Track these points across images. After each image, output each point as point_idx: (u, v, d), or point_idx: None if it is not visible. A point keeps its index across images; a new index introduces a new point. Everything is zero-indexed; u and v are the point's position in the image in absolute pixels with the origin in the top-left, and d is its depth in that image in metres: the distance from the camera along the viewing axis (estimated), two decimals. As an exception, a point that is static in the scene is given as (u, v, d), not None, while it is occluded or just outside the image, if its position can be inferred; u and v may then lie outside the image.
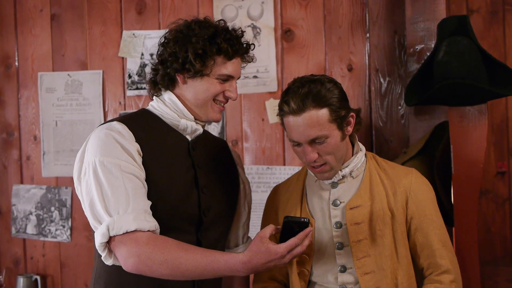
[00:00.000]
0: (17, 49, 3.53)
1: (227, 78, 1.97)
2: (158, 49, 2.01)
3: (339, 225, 2.02)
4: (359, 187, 2.04)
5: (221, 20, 2.02)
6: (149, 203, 1.82)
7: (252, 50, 2.07)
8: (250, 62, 2.11)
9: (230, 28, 2.00)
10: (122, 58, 3.35)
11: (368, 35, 2.99)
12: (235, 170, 2.25)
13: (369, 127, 3.00)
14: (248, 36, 3.08)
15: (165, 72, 1.97)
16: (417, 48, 2.73)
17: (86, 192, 1.82)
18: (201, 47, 1.90)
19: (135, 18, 3.33)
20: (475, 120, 2.49)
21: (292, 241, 1.74)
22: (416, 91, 2.59)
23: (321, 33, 3.07)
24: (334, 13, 3.05)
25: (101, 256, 1.80)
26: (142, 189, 1.82)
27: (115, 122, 1.90)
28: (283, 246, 1.73)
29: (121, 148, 1.82)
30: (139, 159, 1.86)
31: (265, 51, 3.11)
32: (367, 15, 3.00)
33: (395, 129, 2.96)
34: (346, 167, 2.03)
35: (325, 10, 3.07)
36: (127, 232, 1.73)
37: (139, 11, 3.32)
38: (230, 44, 1.94)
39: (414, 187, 2.02)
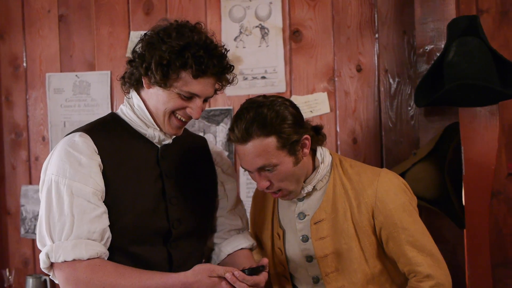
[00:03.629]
0: (25, 50, 3.53)
1: (191, 96, 1.83)
2: (137, 44, 1.90)
3: (305, 238, 1.99)
4: (322, 199, 1.97)
5: (202, 30, 1.86)
6: (100, 226, 1.76)
7: (231, 71, 1.91)
8: (230, 83, 1.94)
9: (213, 43, 1.85)
10: (130, 58, 3.34)
11: (377, 35, 2.98)
12: (213, 172, 2.12)
13: (378, 128, 2.98)
14: (256, 36, 3.10)
15: (132, 72, 1.89)
16: (427, 49, 2.71)
17: (40, 209, 1.82)
18: (166, 57, 1.76)
19: (143, 19, 3.32)
20: (486, 121, 2.47)
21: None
22: (426, 92, 2.57)
23: (330, 34, 3.05)
24: (343, 13, 3.03)
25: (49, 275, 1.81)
26: (93, 212, 1.76)
27: (78, 134, 1.83)
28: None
29: (77, 167, 1.77)
30: (99, 174, 1.79)
31: (273, 51, 3.09)
32: (376, 15, 2.98)
33: (405, 130, 2.94)
34: (309, 184, 1.97)
35: (333, 10, 3.05)
36: (65, 261, 1.72)
37: (146, 12, 3.31)
38: (198, 61, 1.77)
39: (381, 196, 1.91)
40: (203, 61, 1.78)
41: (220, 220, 2.13)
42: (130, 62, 1.91)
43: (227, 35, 3.15)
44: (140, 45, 1.87)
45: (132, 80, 1.90)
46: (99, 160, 1.81)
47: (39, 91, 3.51)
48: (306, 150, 1.90)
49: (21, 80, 3.55)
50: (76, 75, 3.44)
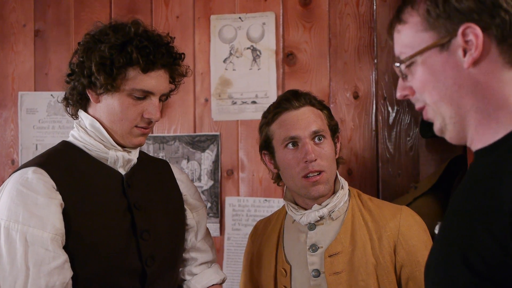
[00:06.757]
0: (-3, 67, 3.30)
1: (144, 95, 1.64)
2: (73, 56, 1.70)
3: (317, 273, 1.80)
4: (339, 231, 1.82)
5: (136, 22, 1.67)
6: (61, 279, 1.51)
7: (182, 60, 1.75)
8: (183, 76, 1.78)
9: (155, 32, 1.68)
10: (111, 78, 3.14)
11: (375, 61, 2.82)
12: (180, 199, 1.93)
13: (375, 159, 2.81)
14: (247, 59, 2.91)
15: (74, 86, 1.68)
16: (430, 76, 2.56)
17: None
18: (107, 55, 1.59)
19: (126, 37, 3.12)
20: (495, 154, 2.31)
21: None
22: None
23: (326, 58, 2.89)
24: (340, 36, 2.87)
25: None
26: (53, 262, 1.51)
27: (30, 170, 1.59)
28: None
29: (33, 209, 1.52)
30: (58, 215, 1.55)
31: (265, 75, 2.91)
32: (375, 39, 2.82)
33: (404, 162, 2.77)
34: (325, 206, 1.82)
35: (330, 33, 2.88)
36: None
37: (129, 30, 3.11)
38: (145, 53, 1.60)
39: (404, 231, 1.79)
40: (149, 51, 1.61)
41: (190, 253, 1.95)
42: (69, 75, 1.70)
43: (216, 57, 2.97)
44: (76, 55, 1.68)
45: (75, 97, 1.68)
46: (60, 198, 1.57)
47: (10, 111, 3.27)
48: (338, 148, 1.91)
49: (-9, 99, 3.32)
50: (51, 95, 3.21)
